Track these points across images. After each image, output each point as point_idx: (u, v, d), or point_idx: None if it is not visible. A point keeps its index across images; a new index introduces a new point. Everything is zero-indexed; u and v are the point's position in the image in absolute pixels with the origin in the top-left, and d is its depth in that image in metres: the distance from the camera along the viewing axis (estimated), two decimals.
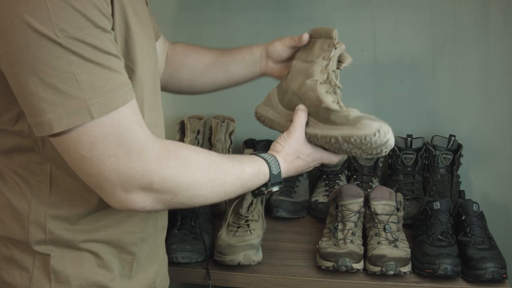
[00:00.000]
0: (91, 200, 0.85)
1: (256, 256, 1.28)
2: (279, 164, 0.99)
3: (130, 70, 0.82)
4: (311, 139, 1.03)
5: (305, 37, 1.13)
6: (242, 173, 0.93)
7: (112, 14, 0.77)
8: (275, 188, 0.99)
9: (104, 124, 0.74)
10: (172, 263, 1.27)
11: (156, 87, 0.95)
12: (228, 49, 1.23)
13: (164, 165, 0.81)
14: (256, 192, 0.99)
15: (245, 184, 0.94)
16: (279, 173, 0.99)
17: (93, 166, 0.76)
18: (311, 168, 1.08)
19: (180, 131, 1.69)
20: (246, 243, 1.28)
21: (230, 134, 1.68)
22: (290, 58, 1.17)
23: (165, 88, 1.20)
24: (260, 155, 0.99)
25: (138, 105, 0.82)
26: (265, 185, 0.98)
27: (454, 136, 1.55)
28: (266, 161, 0.98)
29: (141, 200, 0.80)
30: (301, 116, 1.03)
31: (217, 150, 1.66)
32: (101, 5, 0.74)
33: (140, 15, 0.88)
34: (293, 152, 1.02)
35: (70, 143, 0.74)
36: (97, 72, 0.73)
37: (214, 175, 0.88)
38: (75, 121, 0.72)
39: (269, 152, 1.02)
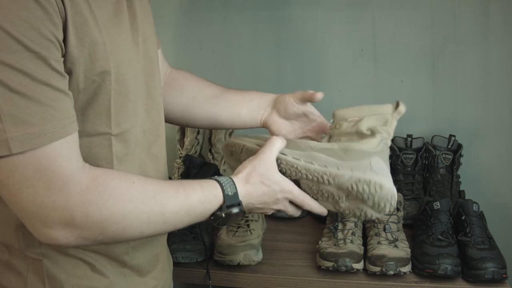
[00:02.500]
0: None
1: (256, 256, 1.28)
2: (235, 185, 0.88)
3: (96, 83, 0.78)
4: (286, 170, 0.93)
5: (319, 95, 1.04)
6: (186, 199, 0.84)
7: (66, 30, 0.72)
8: (235, 210, 0.87)
9: (24, 155, 0.70)
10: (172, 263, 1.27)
11: (151, 90, 0.92)
12: (236, 89, 1.14)
13: (87, 200, 0.75)
14: (213, 219, 0.87)
15: (192, 211, 0.85)
16: (236, 194, 0.88)
17: (10, 194, 0.72)
18: (278, 207, 0.93)
19: (180, 131, 1.69)
20: (246, 243, 1.28)
21: (230, 134, 1.68)
22: (294, 117, 1.09)
23: None
24: (215, 177, 0.89)
25: (103, 116, 0.79)
26: (221, 208, 0.87)
27: (454, 136, 1.55)
28: (220, 182, 0.88)
29: (64, 236, 0.75)
30: (274, 141, 0.93)
31: (217, 150, 1.66)
32: (41, 25, 0.68)
33: (121, 14, 0.83)
34: (256, 175, 0.90)
35: None
36: (22, 105, 0.68)
37: (148, 207, 0.80)
38: None
39: (231, 175, 0.92)
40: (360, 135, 0.96)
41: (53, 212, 0.73)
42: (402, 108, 0.98)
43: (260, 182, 0.90)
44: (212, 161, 1.65)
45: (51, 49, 0.70)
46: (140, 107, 0.89)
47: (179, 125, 1.14)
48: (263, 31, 1.72)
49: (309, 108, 1.10)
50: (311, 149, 0.93)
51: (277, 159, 0.93)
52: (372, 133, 0.96)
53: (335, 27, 1.67)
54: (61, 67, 0.72)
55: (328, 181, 0.90)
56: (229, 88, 1.14)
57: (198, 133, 1.66)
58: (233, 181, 0.89)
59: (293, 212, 0.96)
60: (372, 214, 0.92)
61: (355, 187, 0.88)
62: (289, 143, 0.97)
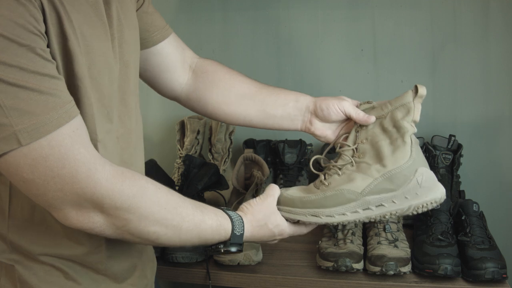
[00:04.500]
0: (49, 217, 0.82)
1: (256, 256, 1.28)
2: (243, 225, 0.94)
3: (75, 85, 0.78)
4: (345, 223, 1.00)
5: (372, 119, 1.03)
6: (201, 222, 0.88)
7: (46, 23, 0.73)
8: (233, 249, 0.93)
9: (41, 146, 0.71)
10: (172, 263, 1.27)
11: (125, 95, 0.91)
12: (269, 87, 1.11)
13: (116, 189, 0.77)
14: (213, 248, 0.94)
15: (202, 235, 0.89)
16: (242, 234, 0.93)
17: (37, 187, 0.73)
18: (275, 242, 1.03)
19: (180, 131, 1.69)
20: (246, 243, 1.28)
21: (230, 134, 1.68)
22: (336, 121, 1.09)
23: (188, 105, 1.14)
24: (227, 211, 0.94)
25: (89, 121, 0.79)
26: (224, 243, 0.93)
27: (454, 136, 1.55)
28: (231, 218, 0.93)
29: (91, 220, 0.78)
30: (273, 186, 1.02)
31: (217, 150, 1.66)
32: (25, 21, 0.69)
33: (98, 18, 0.83)
34: (262, 217, 0.97)
35: (8, 166, 0.72)
36: (24, 97, 0.69)
37: (170, 215, 0.83)
38: (4, 148, 0.70)
39: (237, 211, 0.97)
40: (387, 133, 1.00)
41: (83, 197, 0.75)
42: (422, 90, 1.00)
43: (265, 224, 0.98)
44: (212, 161, 1.65)
45: (38, 41, 0.71)
46: (114, 113, 0.88)
47: (214, 119, 1.17)
48: (263, 31, 1.72)
49: (355, 115, 1.06)
50: (361, 195, 0.97)
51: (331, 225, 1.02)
52: (398, 129, 0.99)
53: (335, 27, 1.67)
54: (49, 56, 0.73)
55: (391, 217, 0.97)
56: (262, 85, 1.11)
57: (198, 133, 1.66)
58: (243, 221, 0.94)
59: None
60: None
61: (415, 212, 0.96)
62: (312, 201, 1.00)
